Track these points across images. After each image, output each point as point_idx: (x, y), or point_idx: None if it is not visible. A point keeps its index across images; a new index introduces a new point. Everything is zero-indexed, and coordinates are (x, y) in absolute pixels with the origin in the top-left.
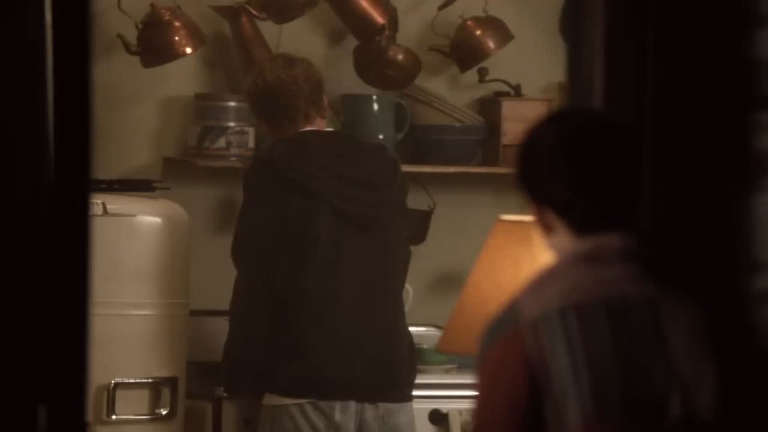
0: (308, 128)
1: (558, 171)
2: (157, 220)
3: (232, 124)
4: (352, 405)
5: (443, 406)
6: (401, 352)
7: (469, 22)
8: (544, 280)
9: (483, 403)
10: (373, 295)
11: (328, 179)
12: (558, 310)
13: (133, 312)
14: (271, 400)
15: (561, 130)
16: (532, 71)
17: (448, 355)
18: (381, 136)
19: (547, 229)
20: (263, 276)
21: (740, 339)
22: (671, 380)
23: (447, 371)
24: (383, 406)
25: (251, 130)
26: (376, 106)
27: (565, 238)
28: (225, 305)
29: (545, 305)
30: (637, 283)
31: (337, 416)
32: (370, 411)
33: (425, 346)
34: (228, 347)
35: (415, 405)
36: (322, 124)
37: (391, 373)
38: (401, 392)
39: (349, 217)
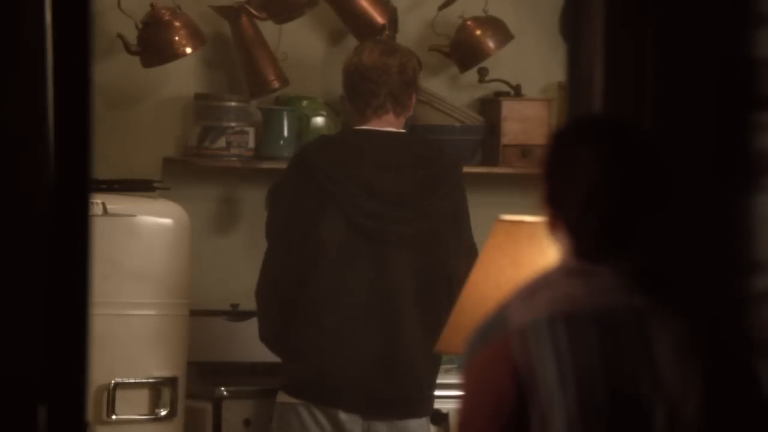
0: (368, 125)
1: (588, 205)
2: (157, 220)
3: (232, 124)
4: (342, 415)
5: (443, 406)
6: (410, 368)
7: (469, 22)
8: (535, 287)
9: (469, 407)
10: (384, 308)
11: (349, 187)
12: (547, 319)
13: (133, 312)
14: (281, 397)
15: (608, 166)
16: (532, 71)
17: (448, 355)
18: None
19: (554, 230)
20: (278, 268)
21: (729, 350)
22: (657, 392)
23: (447, 371)
24: (377, 428)
25: (251, 130)
26: None
27: (565, 245)
28: (225, 305)
29: (535, 314)
30: (626, 294)
31: (342, 416)
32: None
33: None
34: (259, 327)
35: None
36: (394, 123)
37: (396, 389)
38: (408, 409)
39: (362, 229)
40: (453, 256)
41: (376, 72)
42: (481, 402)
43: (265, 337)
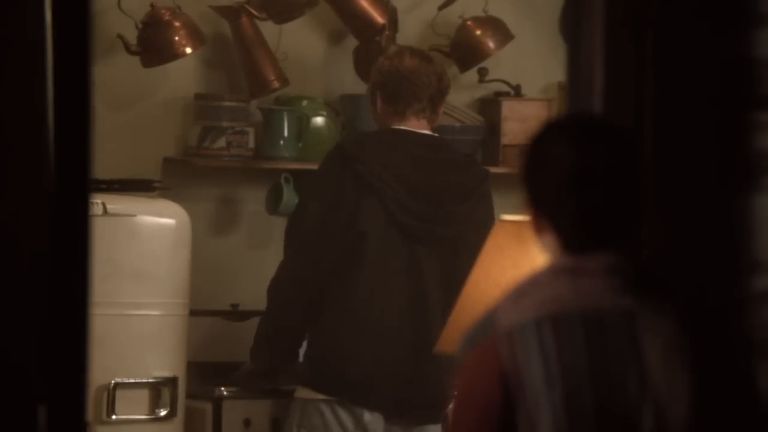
0: (406, 126)
1: (565, 198)
2: (157, 220)
3: (232, 124)
4: (366, 414)
5: (450, 406)
6: (435, 372)
7: (469, 22)
8: (525, 289)
9: (459, 410)
10: (414, 308)
11: (391, 183)
12: (534, 321)
13: (133, 312)
14: (302, 393)
15: (579, 156)
16: (532, 71)
17: (449, 355)
18: None
19: (539, 231)
20: (310, 262)
21: (723, 350)
22: (644, 393)
23: (453, 372)
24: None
25: (251, 130)
26: None
27: (552, 245)
28: (225, 305)
29: (522, 316)
30: (615, 295)
31: (366, 417)
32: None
33: None
34: (260, 325)
35: None
36: (427, 127)
37: (419, 392)
38: (430, 414)
39: (401, 225)
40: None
41: (419, 76)
42: (470, 404)
43: (275, 333)
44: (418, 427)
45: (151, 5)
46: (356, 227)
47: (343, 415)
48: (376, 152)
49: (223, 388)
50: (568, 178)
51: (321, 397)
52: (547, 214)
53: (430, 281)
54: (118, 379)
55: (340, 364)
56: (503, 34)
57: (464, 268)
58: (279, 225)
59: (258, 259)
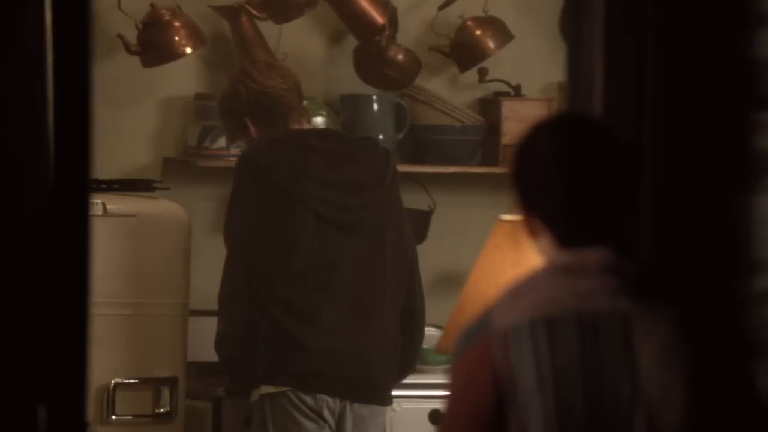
0: (298, 126)
1: (551, 186)
2: (157, 220)
3: None
4: (328, 399)
5: (443, 406)
6: (380, 355)
7: (469, 22)
8: (521, 289)
9: (451, 410)
10: (360, 297)
11: (309, 183)
12: (528, 322)
13: (133, 312)
14: (264, 389)
15: (562, 145)
16: (532, 71)
17: (448, 355)
18: (381, 136)
19: (533, 233)
20: (243, 272)
21: (722, 352)
22: (637, 398)
23: (447, 371)
24: (356, 411)
25: None
26: (376, 106)
27: (548, 245)
28: None
29: (517, 316)
30: (611, 297)
31: (329, 399)
32: (348, 413)
33: (425, 346)
34: (216, 338)
35: (415, 405)
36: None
37: (366, 375)
38: (375, 395)
39: (332, 221)
40: (411, 243)
41: (280, 87)
42: (463, 404)
43: (230, 336)
44: (362, 411)
45: (151, 5)
46: (285, 238)
47: (308, 400)
48: (286, 157)
49: (223, 388)
50: (552, 166)
51: (284, 388)
52: (538, 210)
53: (375, 267)
54: (118, 379)
55: (296, 358)
56: (503, 34)
57: (403, 246)
58: None
59: None
